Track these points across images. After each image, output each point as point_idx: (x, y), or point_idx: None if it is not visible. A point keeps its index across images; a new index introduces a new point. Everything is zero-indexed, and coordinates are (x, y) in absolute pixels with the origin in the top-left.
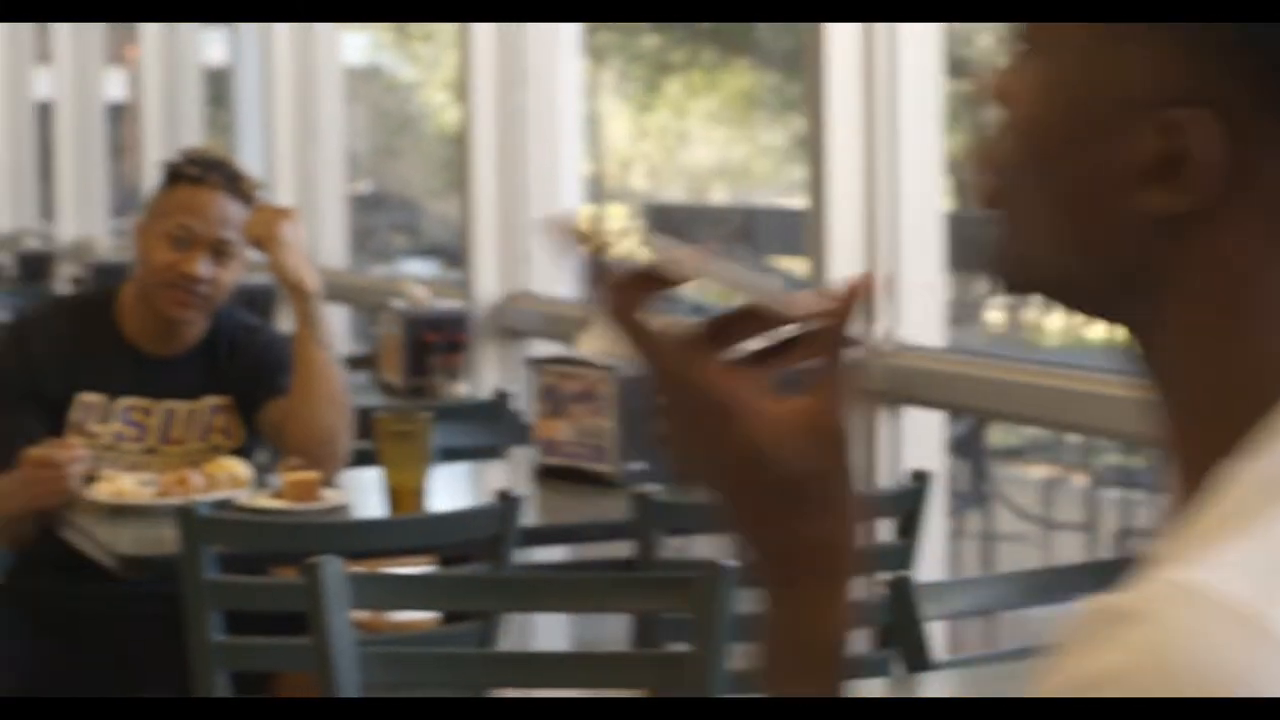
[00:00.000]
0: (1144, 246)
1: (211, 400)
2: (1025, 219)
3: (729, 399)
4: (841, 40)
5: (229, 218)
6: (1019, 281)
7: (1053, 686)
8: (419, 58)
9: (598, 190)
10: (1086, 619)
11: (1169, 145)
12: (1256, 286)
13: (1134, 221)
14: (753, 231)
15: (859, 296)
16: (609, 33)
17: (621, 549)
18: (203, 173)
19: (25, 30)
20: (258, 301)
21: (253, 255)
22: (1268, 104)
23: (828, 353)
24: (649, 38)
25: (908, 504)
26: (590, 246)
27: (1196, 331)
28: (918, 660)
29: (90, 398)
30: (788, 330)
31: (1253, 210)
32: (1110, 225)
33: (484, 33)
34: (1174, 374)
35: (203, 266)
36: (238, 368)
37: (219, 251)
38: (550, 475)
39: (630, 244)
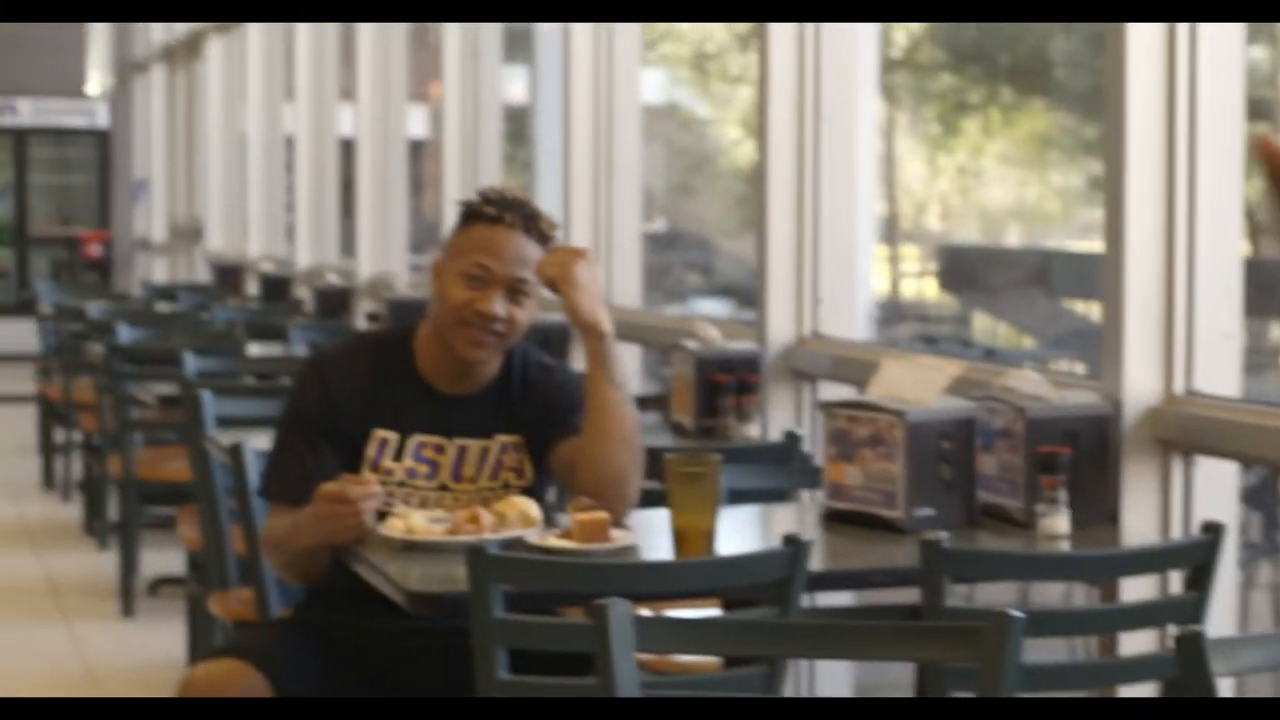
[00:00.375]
0: None
1: (503, 438)
2: None
3: None
4: (1142, 82)
5: (526, 257)
6: None
7: None
8: (714, 95)
9: (892, 231)
10: None
11: None
12: None
13: None
14: (1048, 274)
15: None
16: (905, 73)
17: (908, 595)
18: (500, 212)
19: (330, 68)
20: (553, 340)
21: (547, 295)
22: None
23: None
24: (945, 78)
25: (1199, 556)
26: None
27: None
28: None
29: (385, 434)
30: None
31: None
32: None
33: (782, 72)
34: None
35: (498, 305)
36: (531, 407)
37: (515, 290)
38: (838, 520)
39: None
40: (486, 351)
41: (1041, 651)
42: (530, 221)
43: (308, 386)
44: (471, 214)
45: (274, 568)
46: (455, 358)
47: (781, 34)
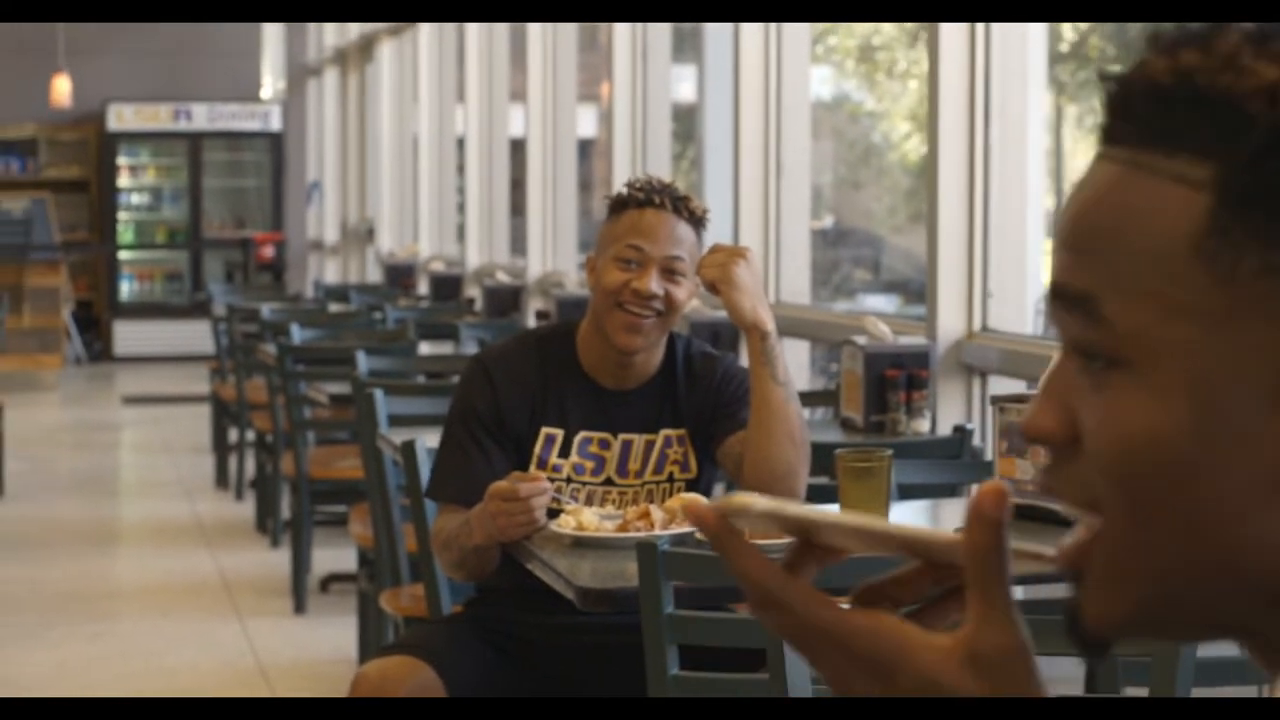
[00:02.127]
0: None
1: (668, 432)
2: (1139, 567)
3: (899, 640)
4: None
5: (679, 237)
6: (1109, 637)
7: None
8: (881, 88)
9: None
10: None
11: None
12: None
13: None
14: None
15: (994, 513)
16: (1073, 65)
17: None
18: (649, 195)
19: (500, 69)
20: (722, 336)
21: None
22: None
23: (991, 574)
24: (1114, 69)
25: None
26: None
27: None
28: None
29: (551, 431)
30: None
31: None
32: (1271, 539)
33: (951, 67)
34: None
35: (654, 284)
36: (695, 399)
37: (670, 270)
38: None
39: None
40: (643, 336)
41: (1214, 646)
42: (679, 202)
43: (474, 386)
44: (621, 202)
45: (443, 567)
46: (615, 349)
47: (951, 28)
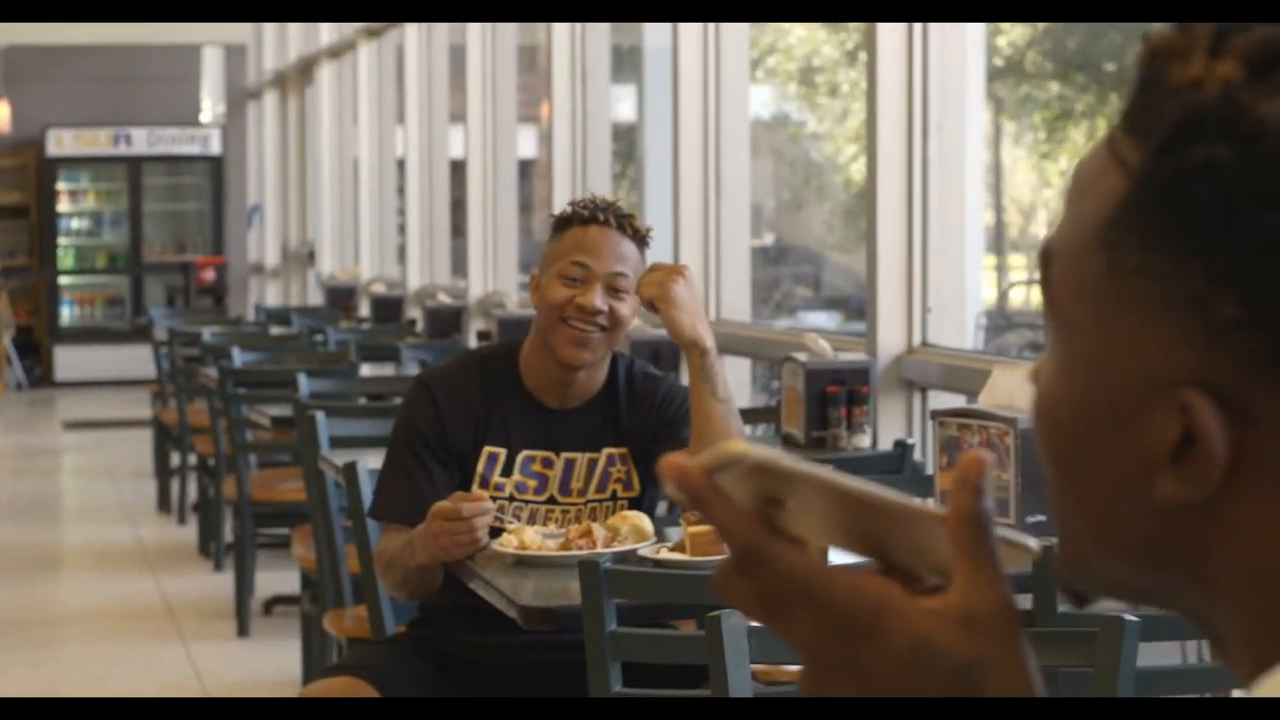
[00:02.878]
0: (1176, 537)
1: (610, 450)
2: (1066, 522)
3: (883, 598)
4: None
5: (622, 254)
6: (1078, 588)
7: None
8: (822, 109)
9: (1000, 240)
10: None
11: (1183, 426)
12: (1257, 552)
13: (1162, 513)
14: None
15: (975, 478)
16: (1011, 82)
17: (1022, 602)
18: (593, 212)
19: (440, 91)
20: (663, 354)
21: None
22: (1265, 380)
23: (978, 538)
24: (1051, 85)
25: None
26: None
27: (1250, 613)
28: None
29: (494, 450)
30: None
31: (1265, 485)
32: (1140, 520)
33: (889, 83)
34: (1239, 654)
35: (598, 299)
36: (637, 418)
37: (614, 287)
38: None
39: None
40: (589, 351)
41: (1155, 656)
42: (623, 220)
43: (417, 406)
44: (564, 220)
45: (386, 587)
46: (560, 364)
47: (889, 45)
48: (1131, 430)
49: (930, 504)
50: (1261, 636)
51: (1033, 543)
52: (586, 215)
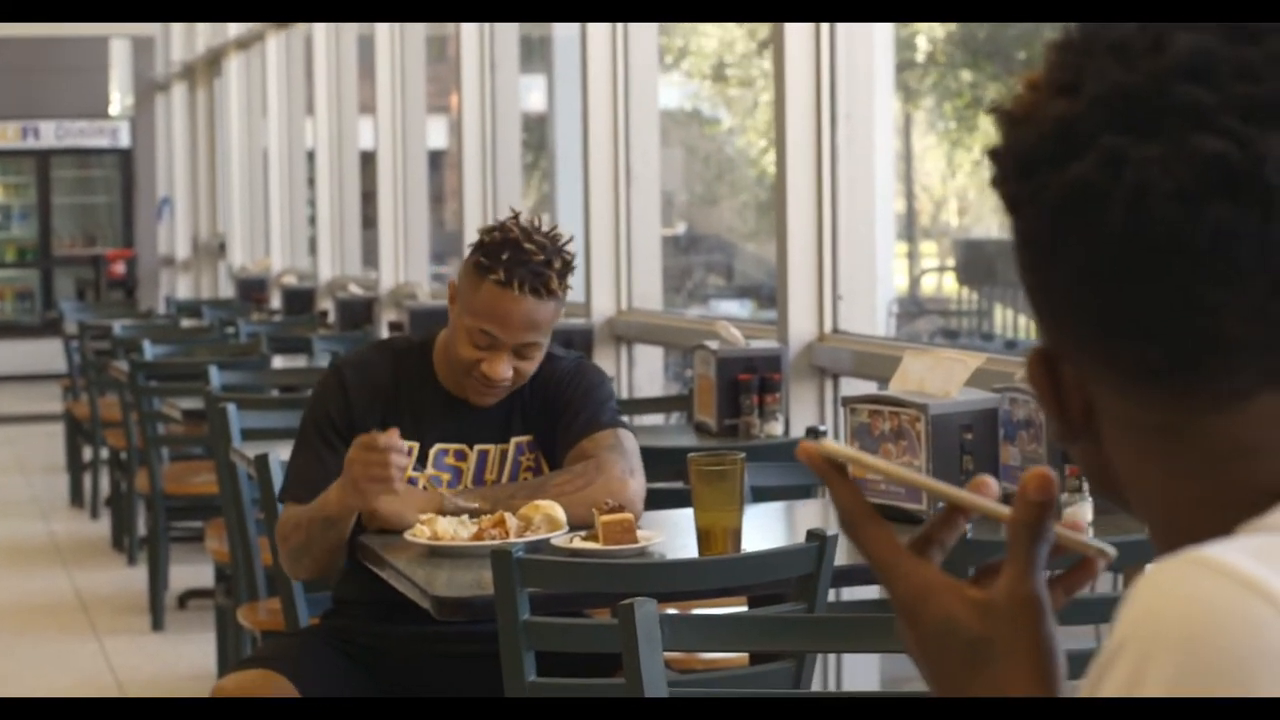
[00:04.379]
0: (1090, 459)
1: (517, 439)
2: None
3: (929, 583)
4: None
5: (534, 322)
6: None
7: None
8: (735, 103)
9: (911, 227)
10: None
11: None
12: (1140, 478)
13: (1085, 444)
14: None
15: (1034, 494)
16: (921, 71)
17: None
18: (509, 276)
19: (349, 82)
20: (575, 344)
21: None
22: (1097, 357)
23: (1022, 542)
24: (962, 74)
25: None
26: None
27: (1144, 504)
28: None
29: (408, 443)
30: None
31: (1108, 427)
32: (1082, 452)
33: (798, 72)
34: (1149, 530)
35: (504, 368)
36: (537, 403)
37: (522, 354)
38: None
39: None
40: (495, 398)
41: (1076, 639)
42: (539, 282)
43: (329, 392)
44: (484, 268)
45: (284, 561)
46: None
47: (797, 34)
48: (1042, 393)
49: (999, 505)
50: (1162, 550)
51: (1112, 550)
52: (502, 279)
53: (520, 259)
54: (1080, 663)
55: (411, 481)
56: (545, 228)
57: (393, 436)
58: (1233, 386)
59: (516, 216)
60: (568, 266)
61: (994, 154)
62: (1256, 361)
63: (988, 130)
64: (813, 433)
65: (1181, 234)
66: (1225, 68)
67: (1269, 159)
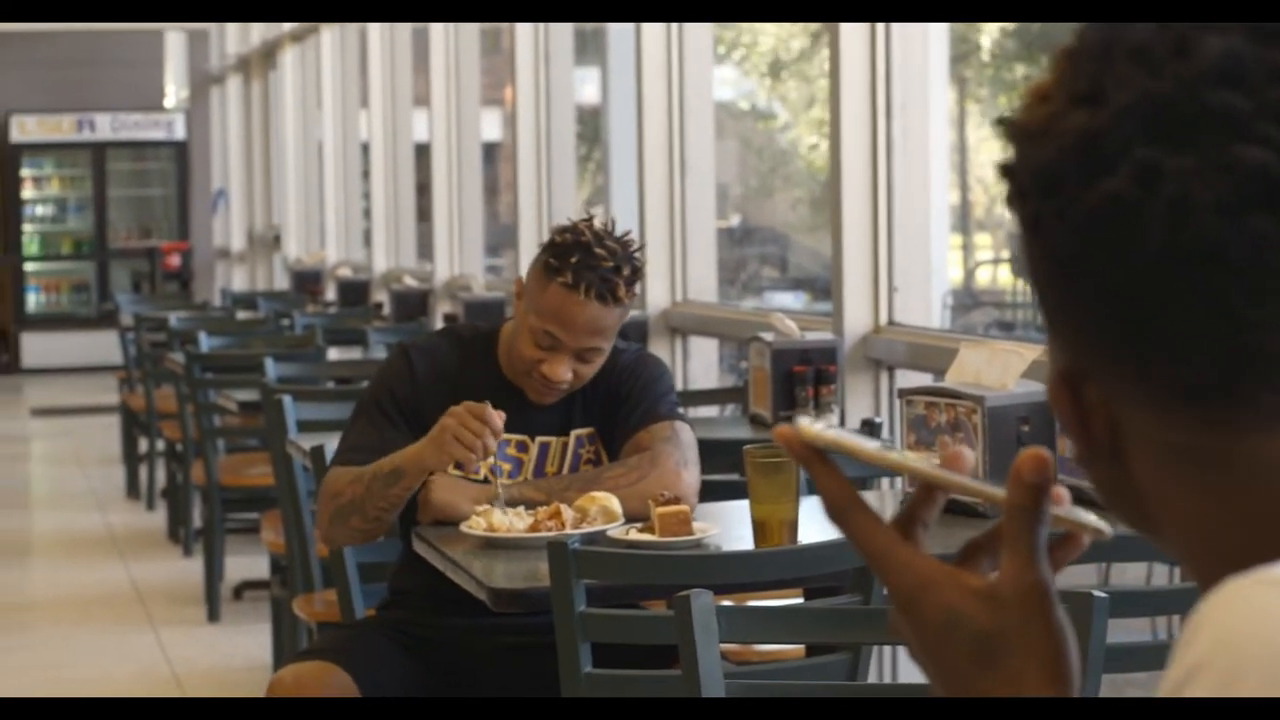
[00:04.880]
0: (1115, 483)
1: (577, 432)
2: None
3: (928, 575)
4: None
5: (599, 327)
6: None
7: (1163, 690)
8: (790, 99)
9: (965, 220)
10: (1190, 620)
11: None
12: (1173, 501)
13: (1109, 466)
14: None
15: (1029, 476)
16: (977, 62)
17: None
18: (577, 280)
19: (404, 74)
20: (629, 335)
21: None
22: (1127, 377)
23: (1021, 528)
24: (1017, 66)
25: None
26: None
27: (1178, 528)
28: None
29: None
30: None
31: (1136, 449)
32: (1105, 475)
33: (853, 64)
34: (1176, 555)
35: (564, 370)
36: (599, 396)
37: (583, 358)
38: None
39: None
40: (553, 398)
41: (1125, 632)
42: (606, 288)
43: (396, 371)
44: (554, 268)
45: (326, 521)
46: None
47: (852, 27)
48: (1064, 415)
49: (995, 488)
50: (1199, 573)
51: (1106, 526)
52: (570, 282)
53: (589, 263)
54: (1126, 655)
55: (474, 470)
56: (618, 233)
57: (498, 416)
58: (1274, 403)
59: (591, 219)
60: (636, 274)
61: (1007, 170)
62: None
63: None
64: (868, 425)
65: (1222, 247)
66: (1258, 71)
67: None
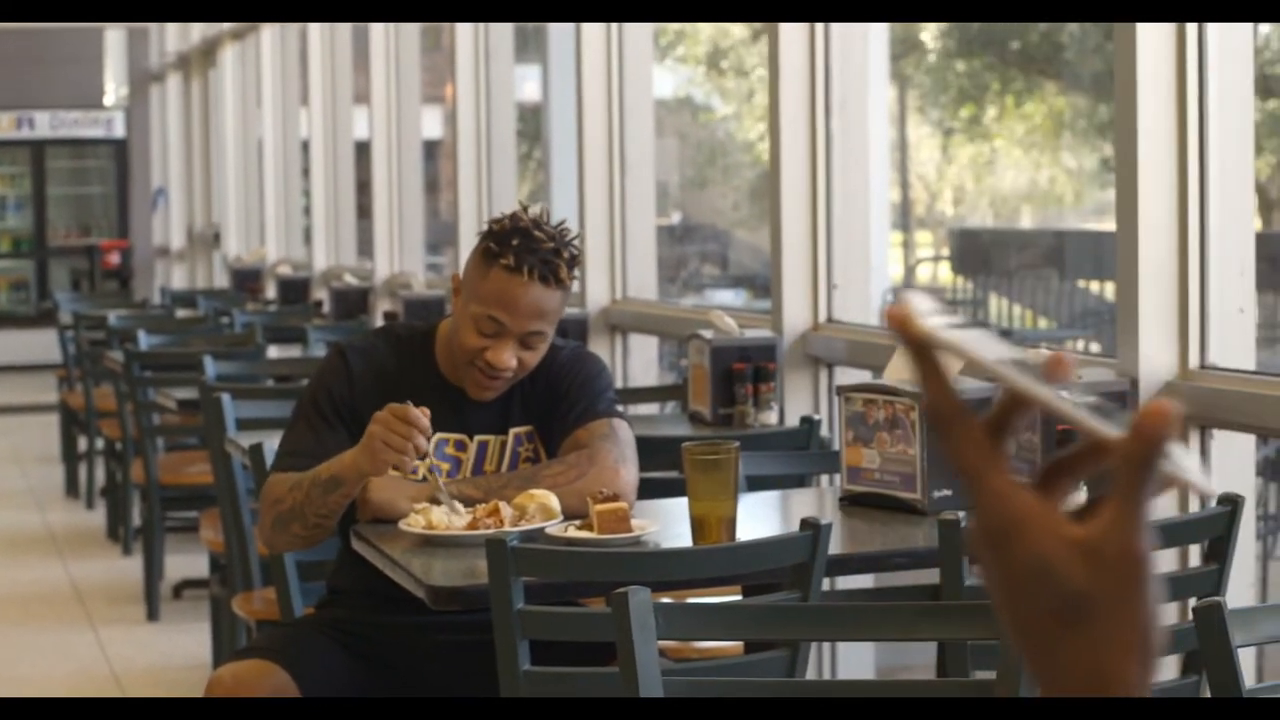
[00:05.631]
0: None
1: (516, 430)
2: None
3: (1023, 513)
4: (1152, 62)
5: (542, 310)
6: None
7: None
8: (730, 91)
9: (906, 217)
10: None
11: None
12: None
13: None
14: (1061, 255)
15: (1152, 430)
16: (917, 60)
17: (928, 576)
18: (519, 262)
19: (344, 72)
20: (569, 332)
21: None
22: None
23: (1133, 477)
24: (958, 63)
25: (1217, 528)
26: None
27: None
28: (1227, 688)
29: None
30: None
31: None
32: None
33: (792, 61)
34: None
35: (509, 356)
36: (536, 393)
37: (526, 344)
38: (857, 503)
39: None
40: (494, 393)
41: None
42: (548, 270)
43: (332, 372)
44: (493, 254)
45: (268, 528)
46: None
47: (791, 24)
48: None
49: (1104, 424)
50: None
51: (1210, 486)
52: (512, 265)
53: (530, 246)
54: None
55: (412, 470)
56: (554, 222)
57: (423, 415)
58: None
59: (525, 209)
60: (575, 259)
61: None
62: None
63: (982, 119)
64: (807, 422)
65: None
66: None
67: None
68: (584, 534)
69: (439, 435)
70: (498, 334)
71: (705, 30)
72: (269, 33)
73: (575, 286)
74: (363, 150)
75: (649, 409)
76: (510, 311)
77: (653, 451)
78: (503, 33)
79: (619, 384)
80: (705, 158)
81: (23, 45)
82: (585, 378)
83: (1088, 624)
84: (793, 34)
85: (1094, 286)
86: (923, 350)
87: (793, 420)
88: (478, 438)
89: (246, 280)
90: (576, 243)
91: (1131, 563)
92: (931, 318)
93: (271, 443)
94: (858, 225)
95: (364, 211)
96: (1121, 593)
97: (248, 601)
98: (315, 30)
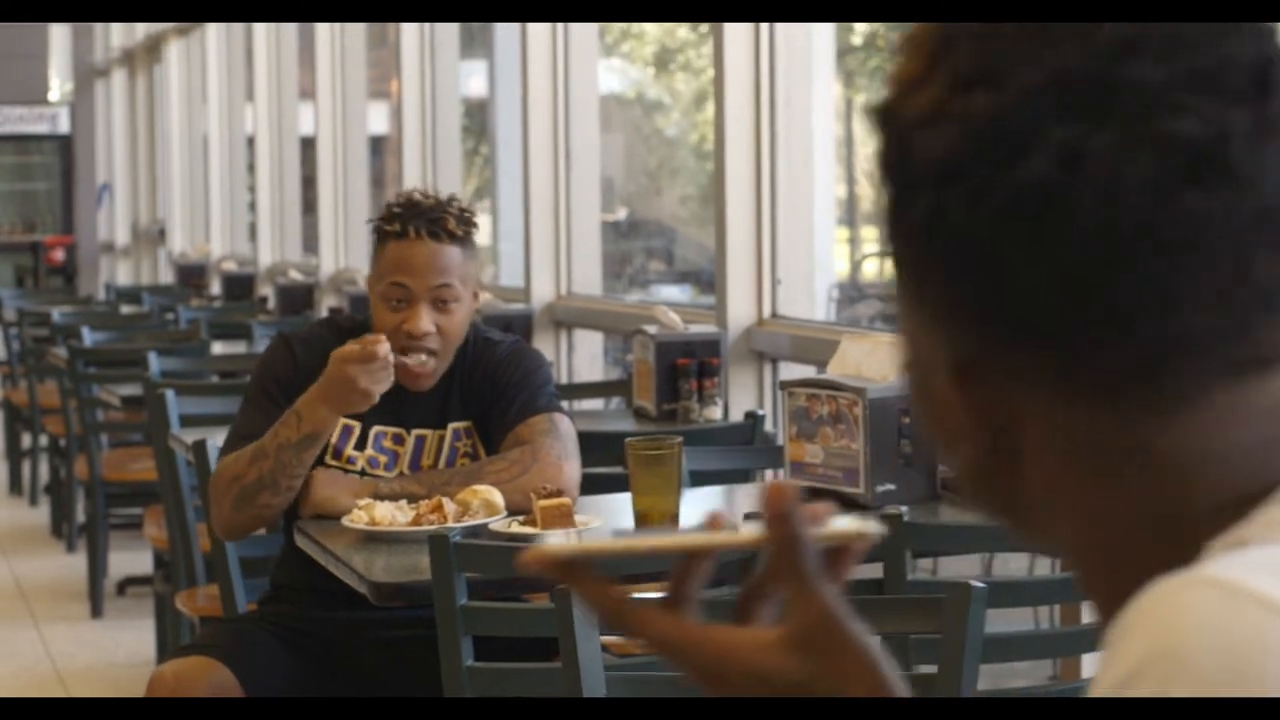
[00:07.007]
0: (1000, 483)
1: (454, 425)
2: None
3: (720, 649)
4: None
5: (443, 264)
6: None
7: (1098, 693)
8: (677, 90)
9: (852, 213)
10: (1123, 622)
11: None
12: (1076, 500)
13: (994, 462)
14: None
15: (783, 507)
16: (863, 56)
17: (871, 570)
18: (404, 225)
19: (289, 67)
20: (514, 327)
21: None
22: (1034, 369)
23: (789, 561)
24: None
25: None
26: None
27: (1077, 527)
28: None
29: (348, 422)
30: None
31: (1034, 445)
32: (987, 472)
33: (737, 58)
34: (1067, 555)
35: (424, 321)
36: (475, 388)
37: (439, 299)
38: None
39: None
40: (428, 377)
41: (1006, 622)
42: (435, 225)
43: (278, 356)
44: (380, 233)
45: (229, 511)
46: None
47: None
48: (944, 407)
49: (744, 530)
50: (1092, 571)
51: (873, 527)
52: (398, 230)
53: (415, 211)
54: (1005, 646)
55: (350, 460)
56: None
57: (382, 343)
58: (1197, 384)
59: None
60: (464, 216)
61: (892, 163)
62: (1220, 350)
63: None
64: (751, 417)
65: (1152, 225)
66: (1159, 38)
67: (1233, 136)
68: (527, 529)
69: (378, 427)
70: (405, 300)
71: (653, 29)
72: (214, 29)
73: (519, 280)
74: (308, 146)
75: (594, 404)
76: (408, 272)
77: (596, 447)
78: (448, 28)
79: (563, 380)
80: (655, 158)
81: None
82: (524, 372)
83: (830, 693)
84: (738, 32)
85: None
86: (566, 572)
87: (737, 415)
88: (415, 432)
89: (191, 276)
90: (468, 208)
91: (823, 628)
92: (556, 542)
93: (216, 439)
94: (803, 221)
95: (309, 207)
96: (833, 659)
97: (191, 598)
98: (260, 26)
